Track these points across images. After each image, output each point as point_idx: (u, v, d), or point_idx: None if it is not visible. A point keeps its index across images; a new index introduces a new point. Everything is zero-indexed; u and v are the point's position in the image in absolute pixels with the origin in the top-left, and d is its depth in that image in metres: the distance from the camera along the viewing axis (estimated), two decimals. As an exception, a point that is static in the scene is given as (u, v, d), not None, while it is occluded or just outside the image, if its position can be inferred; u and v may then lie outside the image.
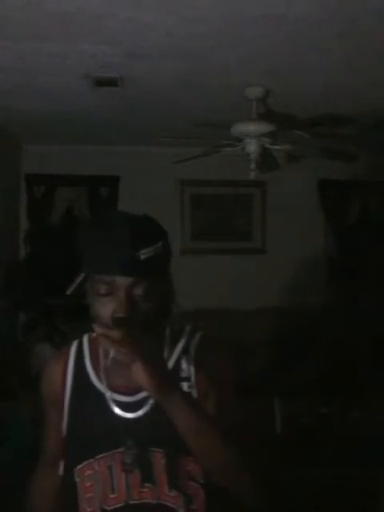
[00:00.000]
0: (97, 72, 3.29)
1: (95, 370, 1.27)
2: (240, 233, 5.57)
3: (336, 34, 2.79)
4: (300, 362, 4.34)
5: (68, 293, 1.18)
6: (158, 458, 1.17)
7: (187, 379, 1.23)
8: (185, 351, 1.26)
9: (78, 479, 1.21)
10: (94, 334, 1.12)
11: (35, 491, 1.35)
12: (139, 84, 3.52)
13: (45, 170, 5.22)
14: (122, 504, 1.17)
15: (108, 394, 1.22)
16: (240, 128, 3.59)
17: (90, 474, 1.20)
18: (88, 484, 1.20)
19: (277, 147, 3.73)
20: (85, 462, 1.21)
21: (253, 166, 3.67)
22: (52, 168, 5.20)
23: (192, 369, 1.24)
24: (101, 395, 1.23)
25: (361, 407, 3.84)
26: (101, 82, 3.44)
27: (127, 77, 3.37)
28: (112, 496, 1.18)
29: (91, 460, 1.20)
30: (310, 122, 3.87)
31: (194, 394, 1.22)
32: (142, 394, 1.20)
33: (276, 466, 1.29)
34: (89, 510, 1.19)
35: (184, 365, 1.24)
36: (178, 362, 1.25)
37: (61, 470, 1.28)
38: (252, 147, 3.61)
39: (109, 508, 1.18)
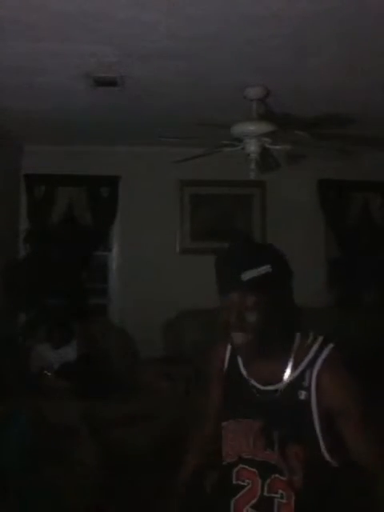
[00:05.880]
0: (97, 72, 3.30)
1: (243, 360, 1.63)
2: (240, 233, 5.56)
3: (336, 34, 2.79)
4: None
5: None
6: (276, 436, 1.50)
7: (306, 389, 1.47)
8: (312, 362, 1.49)
9: (223, 431, 1.62)
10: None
11: (195, 435, 1.86)
12: (139, 84, 3.52)
13: (45, 170, 5.22)
14: (252, 457, 1.54)
15: (250, 381, 1.58)
16: (240, 128, 3.58)
17: (231, 429, 1.60)
18: (230, 435, 1.60)
19: (277, 147, 3.73)
20: (229, 420, 1.61)
21: (253, 165, 3.66)
22: (52, 168, 5.20)
23: (314, 381, 1.47)
24: (245, 379, 1.59)
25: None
26: (101, 82, 3.45)
27: (127, 77, 3.38)
28: (246, 448, 1.55)
29: (232, 420, 1.60)
30: (310, 121, 3.87)
31: (312, 405, 1.46)
32: (273, 386, 1.53)
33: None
34: (231, 453, 1.59)
35: (307, 375, 1.48)
36: (303, 371, 1.49)
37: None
38: (252, 147, 3.61)
39: (244, 456, 1.56)
